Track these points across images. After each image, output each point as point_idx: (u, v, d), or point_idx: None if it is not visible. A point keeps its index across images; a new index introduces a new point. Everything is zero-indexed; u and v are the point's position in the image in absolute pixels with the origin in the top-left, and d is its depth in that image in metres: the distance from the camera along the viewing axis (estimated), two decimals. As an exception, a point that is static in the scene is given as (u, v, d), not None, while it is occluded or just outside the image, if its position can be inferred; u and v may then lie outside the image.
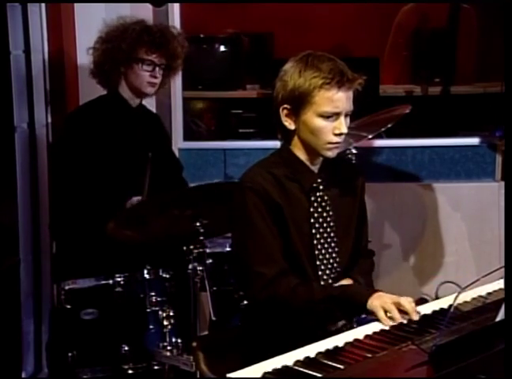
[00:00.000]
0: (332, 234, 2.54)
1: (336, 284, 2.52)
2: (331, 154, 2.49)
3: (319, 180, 2.54)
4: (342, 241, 2.57)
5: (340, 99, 2.42)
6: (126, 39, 3.40)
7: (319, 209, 2.53)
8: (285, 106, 2.46)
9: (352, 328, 2.44)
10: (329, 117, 2.43)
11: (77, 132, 3.43)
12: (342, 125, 2.44)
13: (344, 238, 2.58)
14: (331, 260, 2.53)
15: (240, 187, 2.47)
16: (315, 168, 2.55)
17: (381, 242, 2.90)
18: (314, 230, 2.51)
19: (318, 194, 2.53)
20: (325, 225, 2.53)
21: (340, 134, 2.44)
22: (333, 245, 2.54)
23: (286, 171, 2.51)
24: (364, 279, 2.62)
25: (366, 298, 2.34)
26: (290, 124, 2.48)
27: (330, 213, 2.54)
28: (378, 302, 2.32)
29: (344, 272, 2.57)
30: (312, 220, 2.52)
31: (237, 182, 2.58)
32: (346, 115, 2.46)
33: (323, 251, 2.52)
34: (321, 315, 2.41)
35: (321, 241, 2.52)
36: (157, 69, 3.46)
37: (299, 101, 2.43)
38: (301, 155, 2.52)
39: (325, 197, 2.54)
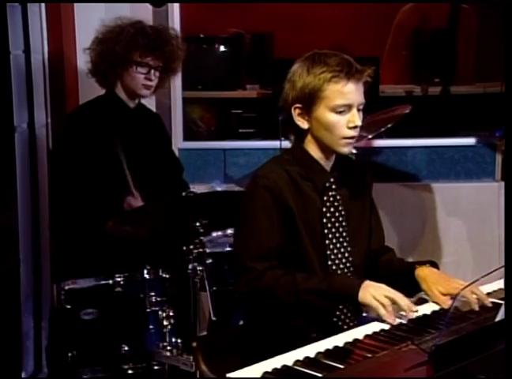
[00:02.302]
0: (344, 234, 2.53)
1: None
2: (346, 150, 2.49)
3: (332, 179, 2.54)
4: (354, 240, 2.56)
5: (350, 90, 2.42)
6: (121, 41, 3.38)
7: (332, 209, 2.52)
8: (297, 105, 2.46)
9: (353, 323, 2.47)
10: (341, 111, 2.42)
11: (76, 132, 3.43)
12: (355, 117, 2.44)
13: (356, 238, 2.57)
14: (343, 260, 2.52)
15: (254, 182, 2.46)
16: (328, 167, 2.54)
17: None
18: (326, 230, 2.51)
19: (330, 194, 2.53)
20: (337, 225, 2.53)
21: (354, 127, 2.44)
22: (345, 244, 2.53)
23: (300, 170, 2.51)
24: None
25: (355, 290, 2.31)
26: (303, 123, 2.48)
27: (342, 213, 2.54)
28: (370, 294, 2.28)
29: (357, 273, 2.55)
30: (325, 220, 2.51)
31: (238, 191, 2.57)
32: (358, 109, 2.45)
33: (335, 251, 2.52)
34: (305, 306, 2.37)
35: (334, 241, 2.52)
36: (152, 71, 3.44)
37: (310, 98, 2.43)
38: (314, 153, 2.52)
39: (338, 197, 2.54)
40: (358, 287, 2.32)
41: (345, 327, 2.50)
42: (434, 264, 2.57)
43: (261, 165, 2.54)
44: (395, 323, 2.25)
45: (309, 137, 2.51)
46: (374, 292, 2.30)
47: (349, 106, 2.43)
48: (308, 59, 2.46)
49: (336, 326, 2.48)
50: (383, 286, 2.33)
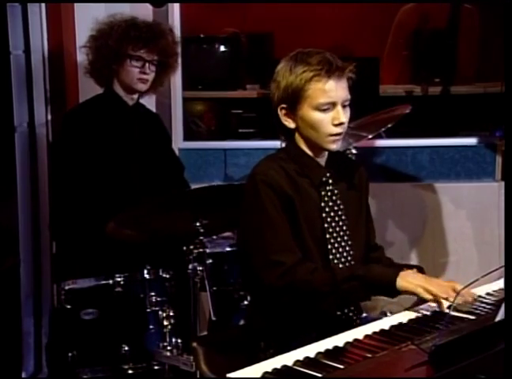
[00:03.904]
0: (344, 228, 2.55)
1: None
2: (335, 146, 2.49)
3: (328, 174, 2.55)
4: (354, 234, 2.57)
5: (332, 88, 2.43)
6: (113, 35, 3.39)
7: (330, 203, 2.54)
8: (282, 105, 2.48)
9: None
10: (325, 109, 2.44)
11: (74, 131, 3.44)
12: (340, 114, 2.44)
13: (355, 232, 2.58)
14: (345, 254, 2.54)
15: (253, 180, 2.47)
16: (322, 163, 2.56)
17: (380, 242, 2.93)
18: (326, 225, 2.52)
19: (327, 188, 2.54)
20: (336, 219, 2.54)
21: (339, 124, 2.45)
22: (345, 238, 2.54)
23: (295, 167, 2.52)
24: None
25: (393, 277, 2.36)
26: (290, 123, 2.50)
27: (341, 207, 2.55)
28: (411, 281, 2.35)
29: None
30: (324, 214, 2.52)
31: (237, 185, 2.58)
32: (344, 106, 2.46)
33: (336, 245, 2.53)
34: (344, 295, 2.40)
35: (334, 235, 2.53)
36: (147, 65, 3.44)
37: (294, 98, 2.44)
38: (306, 151, 2.53)
39: (335, 191, 2.55)
40: (396, 275, 2.36)
41: (353, 319, 2.52)
42: (421, 270, 2.60)
43: (257, 163, 2.54)
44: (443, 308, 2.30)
45: (297, 136, 2.52)
46: (412, 280, 2.35)
47: (333, 104, 2.44)
48: (291, 59, 2.47)
49: (337, 325, 2.47)
50: (420, 274, 2.41)
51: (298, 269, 2.39)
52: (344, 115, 2.45)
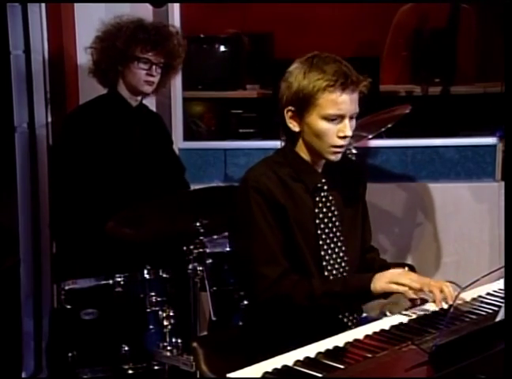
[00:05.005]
0: (338, 234, 2.54)
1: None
2: (334, 158, 2.48)
3: (323, 180, 2.54)
4: (348, 240, 2.56)
5: (344, 101, 2.41)
6: (121, 37, 3.38)
7: (324, 209, 2.53)
8: (290, 108, 2.46)
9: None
10: (333, 119, 2.42)
11: (76, 132, 3.43)
12: (346, 127, 2.43)
13: (350, 238, 2.57)
14: (338, 260, 2.53)
15: (244, 186, 2.46)
16: (319, 168, 2.55)
17: (380, 242, 2.92)
18: (319, 231, 2.51)
19: (322, 194, 2.53)
20: (330, 225, 2.53)
21: (344, 137, 2.44)
22: (339, 244, 2.53)
23: (290, 171, 2.51)
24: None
25: (367, 283, 2.36)
26: (294, 126, 2.48)
27: (335, 213, 2.54)
28: (383, 280, 2.35)
29: (352, 270, 2.56)
30: (317, 221, 2.51)
31: (237, 186, 2.57)
32: (351, 118, 2.45)
33: (329, 251, 2.52)
34: (323, 310, 2.41)
35: (327, 241, 2.52)
36: (154, 67, 3.44)
37: (304, 103, 2.42)
38: (305, 155, 2.52)
39: (330, 197, 2.54)
40: (369, 281, 2.37)
41: (349, 323, 2.51)
42: (412, 269, 2.60)
43: (250, 167, 2.54)
44: (417, 298, 2.33)
45: (300, 141, 2.51)
46: (384, 279, 2.35)
47: (341, 116, 2.43)
48: (307, 62, 2.44)
49: (337, 325, 2.48)
50: (394, 271, 2.42)
51: (281, 283, 2.40)
52: (350, 129, 2.44)
